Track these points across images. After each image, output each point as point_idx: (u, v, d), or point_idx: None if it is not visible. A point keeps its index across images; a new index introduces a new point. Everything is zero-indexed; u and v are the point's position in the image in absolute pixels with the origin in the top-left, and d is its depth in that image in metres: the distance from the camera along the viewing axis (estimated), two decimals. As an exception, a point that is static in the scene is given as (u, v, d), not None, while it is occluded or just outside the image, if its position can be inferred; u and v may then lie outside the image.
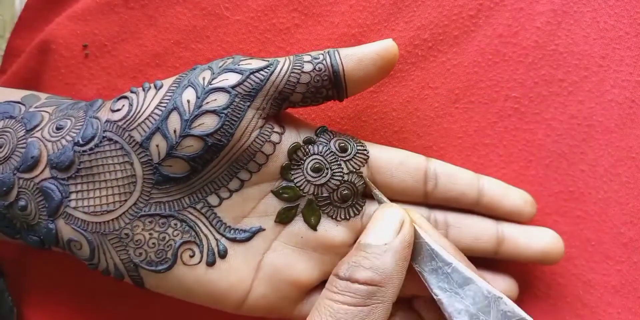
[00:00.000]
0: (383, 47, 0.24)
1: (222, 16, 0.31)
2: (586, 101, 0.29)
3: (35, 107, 0.26)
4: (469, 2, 0.30)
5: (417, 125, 0.30)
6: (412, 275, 0.23)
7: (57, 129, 0.24)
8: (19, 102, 0.26)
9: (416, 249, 0.23)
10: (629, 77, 0.29)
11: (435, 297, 0.23)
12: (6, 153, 0.24)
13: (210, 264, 0.24)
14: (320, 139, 0.25)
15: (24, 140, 0.24)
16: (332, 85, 0.24)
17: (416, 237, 0.23)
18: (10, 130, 0.25)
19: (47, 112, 0.25)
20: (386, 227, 0.23)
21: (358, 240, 0.23)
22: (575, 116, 0.29)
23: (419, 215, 0.24)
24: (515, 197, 0.27)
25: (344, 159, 0.25)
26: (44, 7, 0.33)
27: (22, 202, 0.24)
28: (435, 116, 0.30)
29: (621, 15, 0.30)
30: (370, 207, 0.26)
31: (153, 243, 0.24)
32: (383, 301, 0.22)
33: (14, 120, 0.25)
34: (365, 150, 0.26)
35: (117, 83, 0.31)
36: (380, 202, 0.25)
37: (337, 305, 0.22)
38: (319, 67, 0.24)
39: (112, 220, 0.24)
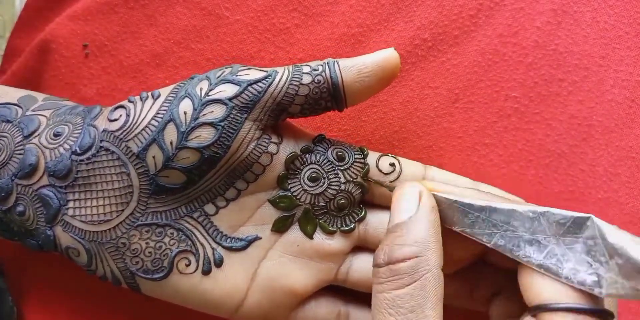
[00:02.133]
0: (384, 57, 0.23)
1: (222, 16, 0.31)
2: (586, 101, 0.29)
3: (33, 110, 0.26)
4: (469, 2, 0.30)
5: (417, 125, 0.30)
6: (455, 240, 0.23)
7: (55, 135, 0.24)
8: (15, 104, 0.26)
9: (447, 213, 0.22)
10: (629, 77, 0.29)
11: (488, 245, 0.22)
12: (4, 158, 0.24)
13: (206, 272, 0.24)
14: (318, 148, 0.25)
15: (22, 146, 0.24)
16: (331, 97, 0.24)
17: (441, 202, 0.22)
18: (7, 135, 0.25)
19: (44, 116, 0.25)
20: (406, 203, 0.22)
21: (386, 229, 0.22)
22: (575, 116, 0.29)
23: (432, 183, 0.23)
24: None
25: (341, 168, 0.25)
26: (44, 6, 0.33)
27: (20, 208, 0.24)
28: (435, 116, 0.30)
29: (621, 15, 0.30)
30: (369, 215, 0.26)
31: (149, 252, 0.24)
32: (429, 269, 0.20)
33: (10, 124, 0.25)
34: (363, 158, 0.25)
35: (117, 83, 0.31)
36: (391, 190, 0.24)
37: (389, 294, 0.20)
38: (317, 79, 0.23)
39: (109, 229, 0.24)
